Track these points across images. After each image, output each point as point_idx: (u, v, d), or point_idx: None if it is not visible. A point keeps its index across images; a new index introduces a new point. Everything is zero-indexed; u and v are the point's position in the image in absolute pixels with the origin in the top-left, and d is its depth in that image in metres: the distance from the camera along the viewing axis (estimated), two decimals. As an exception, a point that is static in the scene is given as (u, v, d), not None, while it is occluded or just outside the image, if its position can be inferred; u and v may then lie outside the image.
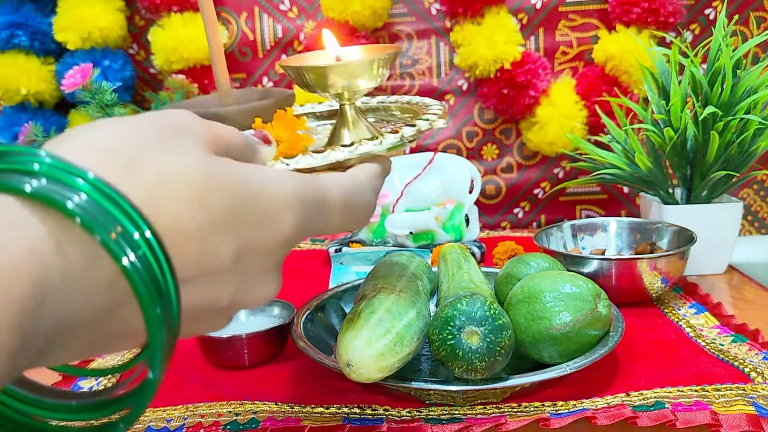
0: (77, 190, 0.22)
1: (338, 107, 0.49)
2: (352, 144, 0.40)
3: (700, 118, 0.81)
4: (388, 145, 0.41)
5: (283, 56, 1.16)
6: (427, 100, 0.52)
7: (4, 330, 0.19)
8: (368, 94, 0.51)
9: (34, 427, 0.24)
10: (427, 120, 0.44)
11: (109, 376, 0.64)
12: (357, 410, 0.56)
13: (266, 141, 0.36)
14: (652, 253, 0.80)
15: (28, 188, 0.21)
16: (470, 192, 1.00)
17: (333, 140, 0.49)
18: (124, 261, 0.22)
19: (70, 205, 0.22)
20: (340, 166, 0.39)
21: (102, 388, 0.62)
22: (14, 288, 0.20)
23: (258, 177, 0.28)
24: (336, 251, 0.96)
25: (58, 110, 1.15)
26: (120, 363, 0.66)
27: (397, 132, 0.42)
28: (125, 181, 0.24)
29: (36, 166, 0.22)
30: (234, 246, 0.27)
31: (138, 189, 0.24)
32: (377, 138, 0.41)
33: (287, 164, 0.38)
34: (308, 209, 0.30)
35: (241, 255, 0.27)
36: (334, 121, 0.52)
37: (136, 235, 0.23)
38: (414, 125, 0.43)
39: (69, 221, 0.22)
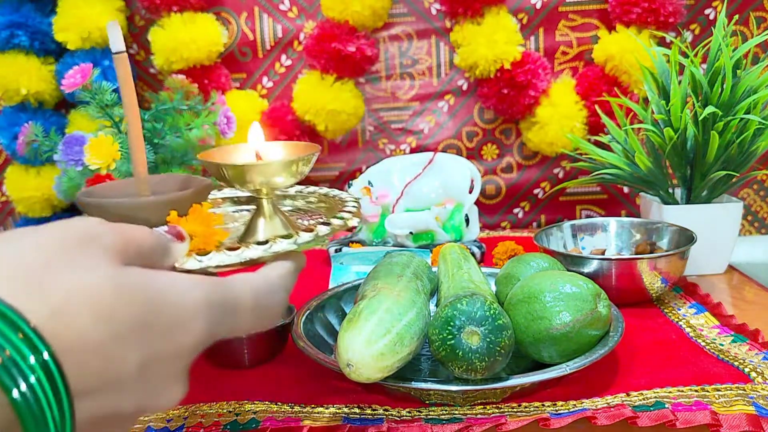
0: None
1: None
2: (266, 242, 0.41)
3: (700, 118, 0.81)
4: (301, 243, 0.42)
5: (283, 56, 1.16)
6: (343, 194, 0.54)
7: None
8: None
9: None
10: (342, 218, 0.46)
11: None
12: (357, 410, 0.56)
13: (179, 237, 0.36)
14: (652, 253, 0.81)
15: None
16: (470, 192, 1.00)
17: (249, 233, 0.49)
18: (14, 393, 0.23)
19: None
20: (253, 263, 0.40)
21: None
22: None
23: (166, 285, 0.29)
24: (336, 251, 0.96)
25: (58, 110, 1.15)
26: None
27: (311, 230, 0.43)
28: (27, 300, 0.24)
29: None
30: (139, 356, 0.27)
31: (41, 307, 0.24)
32: (292, 236, 0.42)
33: (200, 261, 0.38)
34: (217, 314, 0.31)
35: (146, 364, 0.28)
36: (252, 207, 0.53)
37: (32, 359, 0.23)
38: (329, 224, 0.44)
39: None
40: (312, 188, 0.57)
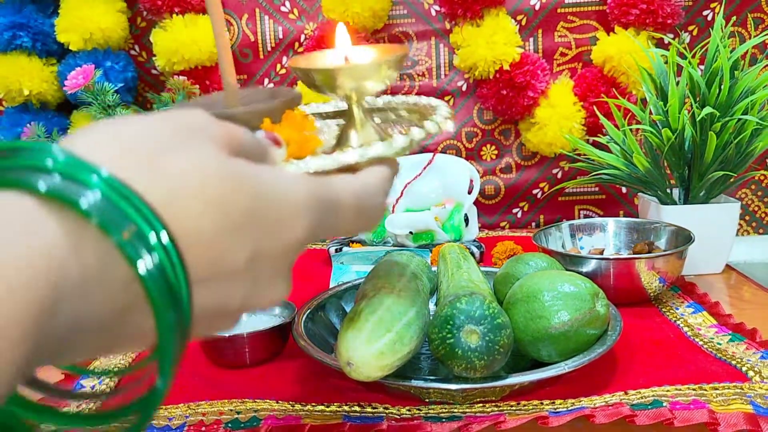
0: (91, 187, 0.22)
1: (345, 107, 0.49)
2: (361, 146, 0.40)
3: (698, 119, 0.81)
4: (397, 148, 0.40)
5: (284, 58, 1.16)
6: (433, 101, 0.51)
7: (22, 332, 0.19)
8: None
9: None
10: (436, 123, 0.44)
11: (117, 366, 0.65)
12: (357, 408, 0.56)
13: (276, 143, 0.35)
14: (650, 252, 0.81)
15: (42, 186, 0.21)
16: (469, 192, 1.00)
17: (341, 141, 0.48)
18: (140, 267, 0.22)
19: (84, 204, 0.21)
20: (349, 168, 0.39)
21: (105, 389, 0.62)
22: (33, 291, 0.20)
23: (272, 179, 0.28)
24: (336, 251, 0.97)
25: (61, 111, 1.15)
26: (124, 365, 0.66)
27: (405, 134, 0.41)
28: (142, 180, 0.23)
29: (50, 163, 0.21)
30: (248, 249, 0.26)
31: (155, 188, 0.24)
32: (386, 140, 0.40)
33: (297, 165, 0.37)
34: (320, 212, 0.30)
35: (254, 258, 0.27)
36: (339, 121, 0.52)
37: (153, 238, 0.22)
38: (422, 127, 0.43)
39: (85, 221, 0.22)
40: (400, 98, 0.54)
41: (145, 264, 0.22)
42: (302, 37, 1.15)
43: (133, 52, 1.17)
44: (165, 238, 0.23)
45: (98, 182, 0.22)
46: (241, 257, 0.26)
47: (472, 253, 0.94)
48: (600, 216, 1.18)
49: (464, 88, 1.17)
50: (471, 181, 1.00)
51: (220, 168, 0.26)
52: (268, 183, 0.28)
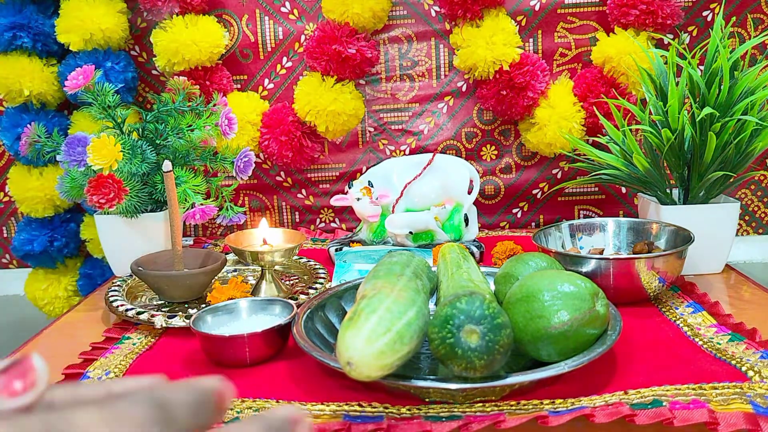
0: None
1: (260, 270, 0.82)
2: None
3: (698, 119, 0.81)
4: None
5: (284, 58, 1.16)
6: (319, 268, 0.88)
7: None
8: None
9: None
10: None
11: (118, 367, 0.65)
12: (357, 408, 0.56)
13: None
14: (649, 252, 0.81)
15: None
16: (469, 192, 1.00)
17: (254, 292, 0.82)
18: None
19: None
20: None
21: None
22: None
23: None
24: (337, 250, 0.97)
25: (61, 111, 1.15)
26: (124, 365, 0.66)
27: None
28: None
29: None
30: None
31: None
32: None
33: None
34: None
35: None
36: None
37: None
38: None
39: None
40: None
41: None
42: (302, 38, 1.15)
43: (133, 52, 1.17)
44: None
45: None
46: None
47: (472, 253, 0.94)
48: (600, 216, 1.18)
49: (464, 88, 1.17)
50: (471, 181, 1.01)
51: None
52: None
